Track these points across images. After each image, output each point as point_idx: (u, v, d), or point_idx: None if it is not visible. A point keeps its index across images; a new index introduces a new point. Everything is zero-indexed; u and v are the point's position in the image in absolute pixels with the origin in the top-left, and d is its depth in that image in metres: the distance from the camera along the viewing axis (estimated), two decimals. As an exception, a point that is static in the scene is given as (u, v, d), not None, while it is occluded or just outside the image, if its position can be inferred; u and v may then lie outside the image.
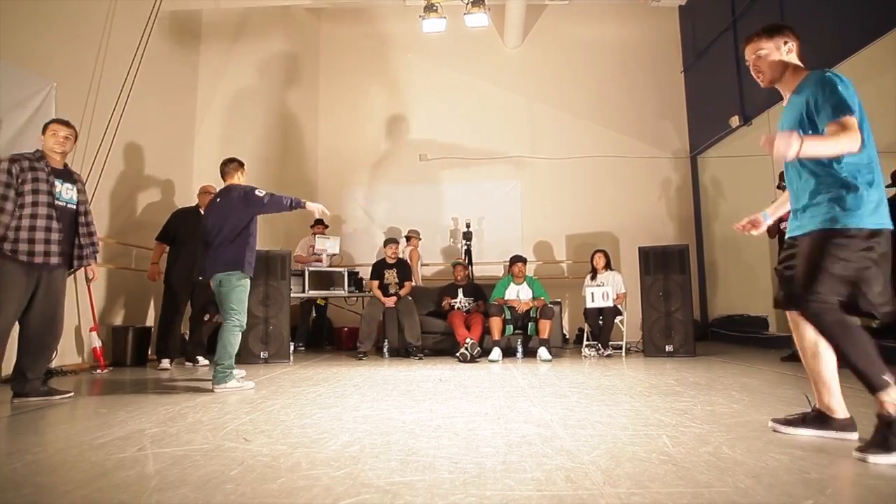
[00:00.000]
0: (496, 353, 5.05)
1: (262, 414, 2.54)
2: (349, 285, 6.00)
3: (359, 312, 6.13)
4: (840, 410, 1.96)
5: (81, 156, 4.84)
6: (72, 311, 4.67)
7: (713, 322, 7.11)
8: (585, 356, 5.31)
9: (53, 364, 4.28)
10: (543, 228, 7.40)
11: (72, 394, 3.17)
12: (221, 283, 3.51)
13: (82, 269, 3.45)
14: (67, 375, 4.22)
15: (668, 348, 5.15)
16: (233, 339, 3.42)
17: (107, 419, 2.48)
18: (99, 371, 4.44)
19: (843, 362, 1.85)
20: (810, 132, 1.84)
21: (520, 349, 5.32)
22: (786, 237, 2.07)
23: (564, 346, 6.15)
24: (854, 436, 1.92)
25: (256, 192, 3.57)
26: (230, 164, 3.84)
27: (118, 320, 5.18)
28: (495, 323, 5.19)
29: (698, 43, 7.17)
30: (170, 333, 4.78)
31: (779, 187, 4.27)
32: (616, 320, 5.54)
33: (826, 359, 1.95)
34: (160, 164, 6.28)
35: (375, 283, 5.63)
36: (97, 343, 4.58)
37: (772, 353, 5.30)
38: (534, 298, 5.49)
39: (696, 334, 5.43)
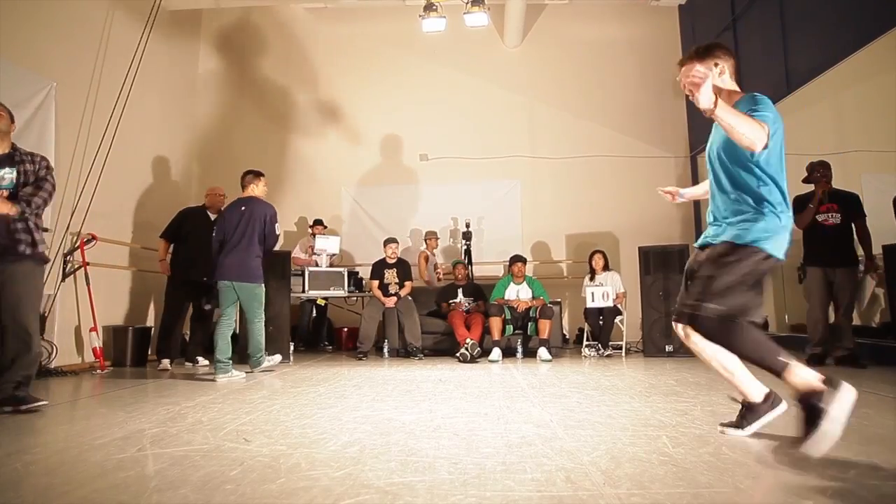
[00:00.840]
0: (496, 353, 5.05)
1: (262, 414, 2.54)
2: (349, 285, 5.99)
3: (359, 312, 6.13)
4: (758, 393, 2.00)
5: (82, 156, 4.85)
6: (72, 311, 4.68)
7: (713, 322, 7.10)
8: (585, 356, 5.31)
9: (53, 364, 4.29)
10: (543, 228, 7.40)
11: (45, 402, 2.74)
12: (246, 291, 4.11)
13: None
14: (67, 375, 4.22)
15: (669, 348, 5.15)
16: (262, 334, 4.21)
17: (107, 419, 2.48)
18: (99, 371, 4.44)
19: (743, 360, 1.92)
20: (738, 153, 1.90)
21: (520, 349, 5.32)
22: (695, 244, 2.12)
23: (564, 347, 6.15)
24: (782, 407, 1.99)
25: (276, 229, 4.27)
26: (249, 176, 4.35)
27: (118, 320, 5.18)
28: (495, 323, 5.19)
29: (698, 42, 7.15)
30: (171, 333, 4.79)
31: (805, 181, 4.25)
32: (616, 320, 5.54)
33: (723, 356, 1.99)
34: (160, 164, 6.29)
35: (375, 283, 5.63)
36: (97, 343, 4.58)
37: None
38: (533, 298, 5.49)
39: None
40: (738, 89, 2.06)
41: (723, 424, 2.08)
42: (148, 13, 5.39)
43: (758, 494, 1.38)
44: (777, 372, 1.80)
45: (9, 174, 2.79)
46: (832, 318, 4.20)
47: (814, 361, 3.99)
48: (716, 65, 2.03)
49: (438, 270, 6.73)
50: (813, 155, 5.90)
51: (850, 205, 4.14)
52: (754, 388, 2.01)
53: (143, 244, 5.61)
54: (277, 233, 4.30)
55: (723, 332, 1.86)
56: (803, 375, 1.78)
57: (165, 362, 4.67)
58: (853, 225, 4.11)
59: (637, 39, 7.56)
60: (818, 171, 4.20)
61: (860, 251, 4.16)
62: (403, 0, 7.52)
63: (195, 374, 4.32)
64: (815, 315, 4.18)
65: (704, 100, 1.72)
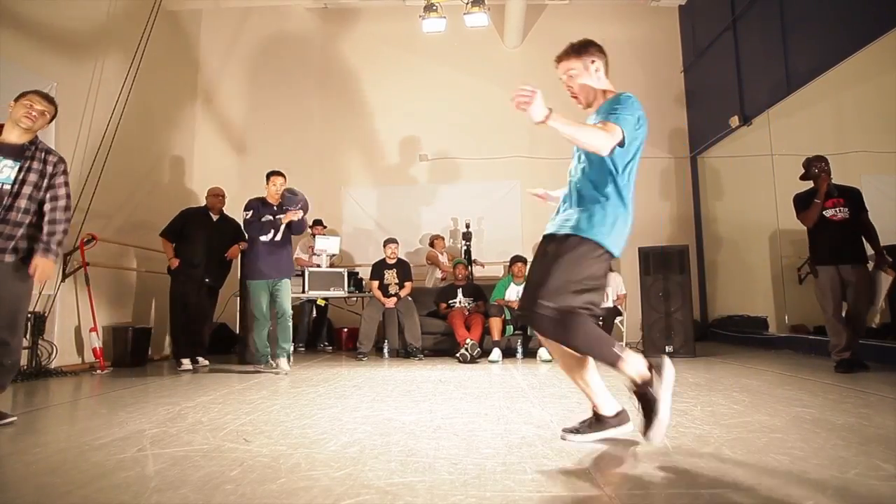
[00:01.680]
0: (496, 353, 5.05)
1: (262, 414, 2.54)
2: (349, 286, 5.99)
3: (359, 313, 6.13)
4: (608, 407, 1.98)
5: (82, 156, 4.85)
6: (72, 312, 4.68)
7: (713, 322, 7.11)
8: (585, 356, 5.30)
9: (53, 364, 4.29)
10: (543, 228, 7.38)
11: (14, 418, 2.46)
12: (283, 286, 4.39)
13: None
14: (67, 376, 4.22)
15: (668, 349, 5.15)
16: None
17: (107, 419, 2.48)
18: (99, 371, 4.44)
19: (581, 354, 1.92)
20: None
21: (520, 350, 5.32)
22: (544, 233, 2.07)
23: (564, 347, 6.14)
24: (629, 427, 1.96)
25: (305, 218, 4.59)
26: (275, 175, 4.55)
27: (118, 320, 5.18)
28: (495, 323, 5.19)
29: (698, 43, 7.17)
30: (183, 333, 4.78)
31: (804, 178, 4.13)
32: (616, 321, 5.54)
33: (574, 362, 1.97)
34: (160, 165, 6.29)
35: (375, 283, 5.62)
36: (97, 343, 4.58)
37: (771, 353, 5.31)
38: (534, 298, 5.49)
39: (696, 334, 5.43)
40: (611, 88, 2.06)
41: (565, 430, 2.02)
42: (148, 13, 5.39)
43: (758, 494, 1.38)
44: (613, 362, 1.83)
45: (8, 168, 2.50)
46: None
47: (843, 367, 3.79)
48: (592, 62, 2.02)
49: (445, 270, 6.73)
50: (813, 155, 5.90)
51: (855, 199, 3.97)
52: (606, 398, 1.99)
53: (142, 244, 5.60)
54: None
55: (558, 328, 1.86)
56: (635, 364, 1.83)
57: (186, 362, 4.66)
58: (860, 220, 3.91)
59: (637, 39, 7.56)
60: (816, 166, 4.03)
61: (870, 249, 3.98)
62: (403, 0, 7.52)
63: (196, 375, 4.31)
64: (834, 318, 3.96)
65: (536, 114, 1.77)
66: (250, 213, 4.39)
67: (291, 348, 4.42)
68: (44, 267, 2.50)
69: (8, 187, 2.50)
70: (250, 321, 4.53)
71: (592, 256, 1.87)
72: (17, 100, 2.58)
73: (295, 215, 4.39)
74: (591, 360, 1.96)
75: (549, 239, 2.00)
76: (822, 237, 4.03)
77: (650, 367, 1.84)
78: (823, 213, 4.00)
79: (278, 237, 4.40)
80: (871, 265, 4.04)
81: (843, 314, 3.97)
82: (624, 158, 1.91)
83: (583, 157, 2.00)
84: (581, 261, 1.86)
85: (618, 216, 1.90)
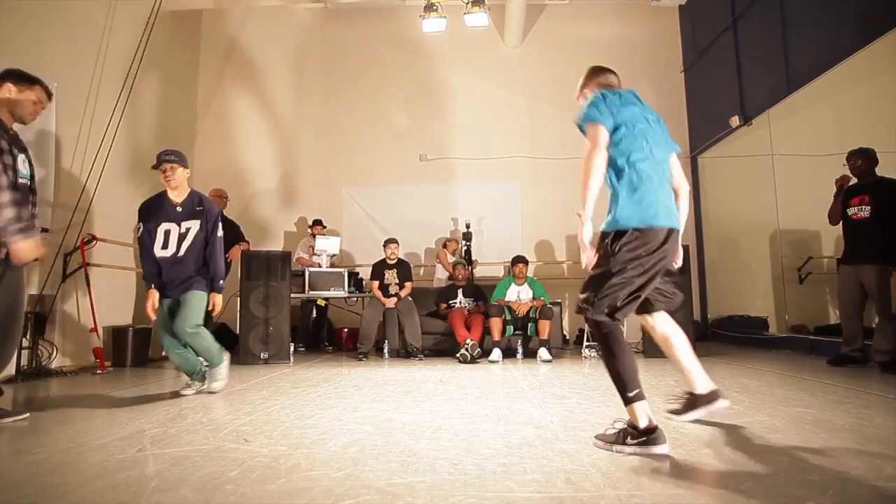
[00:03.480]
0: (496, 353, 5.05)
1: (262, 415, 2.54)
2: (349, 286, 5.99)
3: (359, 313, 6.13)
4: (701, 386, 2.18)
5: (82, 156, 4.85)
6: (72, 312, 4.68)
7: (713, 322, 7.11)
8: (586, 357, 5.31)
9: (54, 364, 4.30)
10: (544, 228, 7.40)
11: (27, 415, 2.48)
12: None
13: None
14: (68, 376, 4.22)
15: (669, 348, 5.15)
16: None
17: (107, 420, 2.48)
18: (99, 371, 4.44)
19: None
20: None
21: (520, 350, 5.32)
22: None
23: (565, 347, 6.14)
24: (722, 403, 2.16)
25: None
26: None
27: (118, 320, 5.18)
28: (495, 324, 5.19)
29: (698, 43, 7.17)
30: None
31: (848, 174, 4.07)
32: (616, 320, 5.53)
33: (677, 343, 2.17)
34: (160, 165, 6.28)
35: (375, 283, 5.62)
36: (97, 343, 4.58)
37: (772, 353, 5.30)
38: (534, 299, 5.49)
39: (696, 335, 5.42)
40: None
41: (670, 412, 2.28)
42: (148, 13, 5.39)
43: (758, 494, 1.38)
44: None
45: (25, 162, 2.44)
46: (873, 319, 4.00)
47: (841, 361, 3.85)
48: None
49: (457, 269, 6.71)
50: (814, 155, 5.91)
51: (886, 194, 3.81)
52: (699, 378, 2.20)
53: (143, 244, 5.60)
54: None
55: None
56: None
57: None
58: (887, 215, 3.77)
59: (637, 40, 7.56)
60: (848, 162, 4.00)
61: None
62: (403, 0, 7.53)
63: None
64: (845, 317, 3.96)
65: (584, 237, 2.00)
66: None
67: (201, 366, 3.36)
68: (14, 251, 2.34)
69: (27, 182, 2.47)
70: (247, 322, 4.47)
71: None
72: (21, 90, 2.54)
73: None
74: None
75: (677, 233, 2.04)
76: (846, 236, 4.02)
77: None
78: (847, 211, 3.97)
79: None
80: None
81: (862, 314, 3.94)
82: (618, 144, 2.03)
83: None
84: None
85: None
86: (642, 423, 1.80)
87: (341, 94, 7.74)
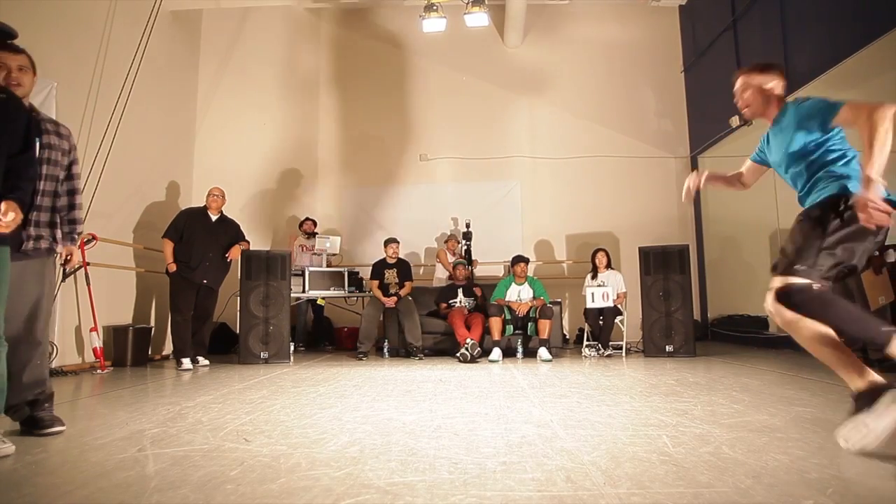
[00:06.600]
0: (496, 353, 5.05)
1: (262, 414, 2.54)
2: (349, 285, 6.00)
3: (359, 312, 6.13)
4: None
5: (82, 156, 4.84)
6: (72, 311, 4.68)
7: (713, 322, 7.11)
8: (585, 356, 5.31)
9: (54, 364, 4.29)
10: (543, 228, 7.40)
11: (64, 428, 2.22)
12: None
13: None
14: (68, 376, 4.22)
15: (669, 348, 5.15)
16: None
17: (107, 419, 2.48)
18: (99, 371, 4.44)
19: (839, 334, 1.75)
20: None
21: (520, 349, 5.32)
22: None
23: (564, 347, 6.15)
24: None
25: None
26: None
27: (118, 320, 5.18)
28: (495, 323, 5.19)
29: (698, 43, 7.17)
30: (185, 332, 4.78)
31: None
32: (616, 320, 5.54)
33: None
34: (160, 165, 6.29)
35: (375, 282, 5.63)
36: (97, 343, 4.58)
37: (772, 352, 5.30)
38: (534, 298, 5.49)
39: (696, 334, 5.43)
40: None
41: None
42: (148, 13, 5.39)
43: (758, 494, 1.38)
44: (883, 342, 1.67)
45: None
46: None
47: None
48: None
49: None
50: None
51: None
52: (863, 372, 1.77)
53: (143, 244, 5.61)
54: None
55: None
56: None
57: (186, 362, 4.66)
58: None
59: (637, 40, 7.56)
60: None
61: None
62: (403, 0, 7.53)
63: (196, 374, 4.31)
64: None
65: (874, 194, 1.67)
66: None
67: None
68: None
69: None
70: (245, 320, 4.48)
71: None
72: None
73: None
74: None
75: None
76: None
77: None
78: None
79: None
80: None
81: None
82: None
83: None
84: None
85: None
86: None
87: (341, 93, 7.74)
